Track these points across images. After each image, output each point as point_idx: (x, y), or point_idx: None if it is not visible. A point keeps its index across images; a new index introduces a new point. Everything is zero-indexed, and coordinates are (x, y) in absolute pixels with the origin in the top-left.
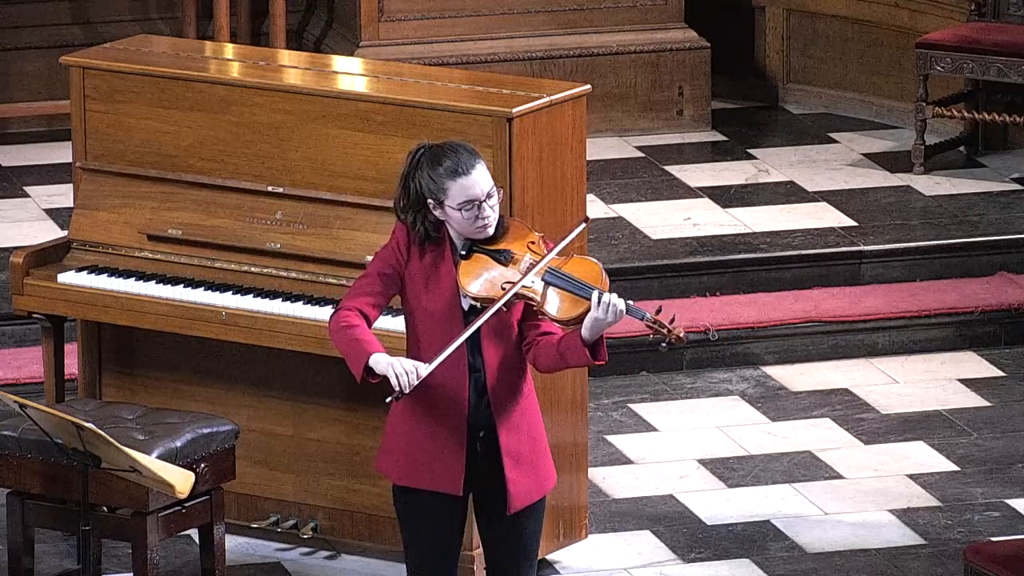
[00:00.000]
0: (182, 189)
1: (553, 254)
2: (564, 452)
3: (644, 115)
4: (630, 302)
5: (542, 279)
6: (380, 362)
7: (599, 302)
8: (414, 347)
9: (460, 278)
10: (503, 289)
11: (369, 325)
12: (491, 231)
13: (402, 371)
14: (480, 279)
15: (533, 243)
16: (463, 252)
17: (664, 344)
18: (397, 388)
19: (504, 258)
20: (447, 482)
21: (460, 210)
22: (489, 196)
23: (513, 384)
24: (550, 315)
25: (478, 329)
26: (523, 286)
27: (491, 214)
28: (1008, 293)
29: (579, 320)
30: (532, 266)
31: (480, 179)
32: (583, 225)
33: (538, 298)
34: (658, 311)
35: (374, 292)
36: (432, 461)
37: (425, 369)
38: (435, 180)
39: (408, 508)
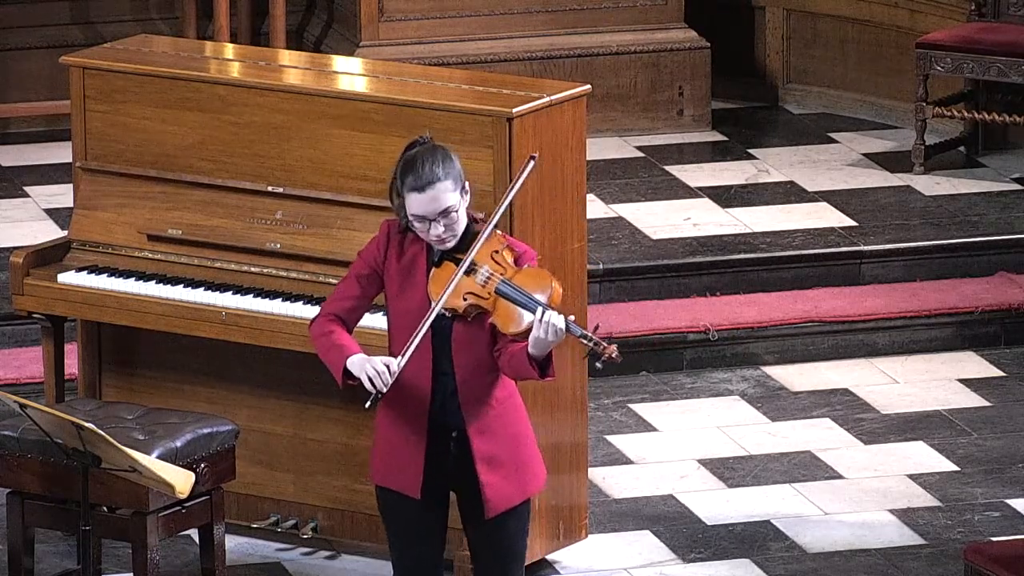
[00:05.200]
0: (182, 189)
1: (503, 205)
2: (564, 452)
3: (644, 115)
4: (571, 318)
5: (495, 291)
6: (355, 364)
7: (540, 321)
8: (391, 344)
9: (428, 285)
10: (464, 299)
11: (349, 330)
12: (450, 245)
13: (374, 372)
14: (444, 287)
15: (496, 252)
16: (435, 259)
17: (599, 363)
18: (373, 390)
19: (468, 268)
20: (408, 484)
21: (414, 220)
22: (445, 214)
23: (486, 388)
24: (499, 327)
25: (448, 334)
26: (475, 295)
27: (443, 231)
28: (1008, 293)
29: (527, 334)
30: (489, 278)
31: (435, 199)
32: (531, 163)
33: (488, 307)
34: (595, 329)
35: (352, 296)
36: (397, 462)
37: (396, 364)
38: (399, 186)
39: (384, 507)
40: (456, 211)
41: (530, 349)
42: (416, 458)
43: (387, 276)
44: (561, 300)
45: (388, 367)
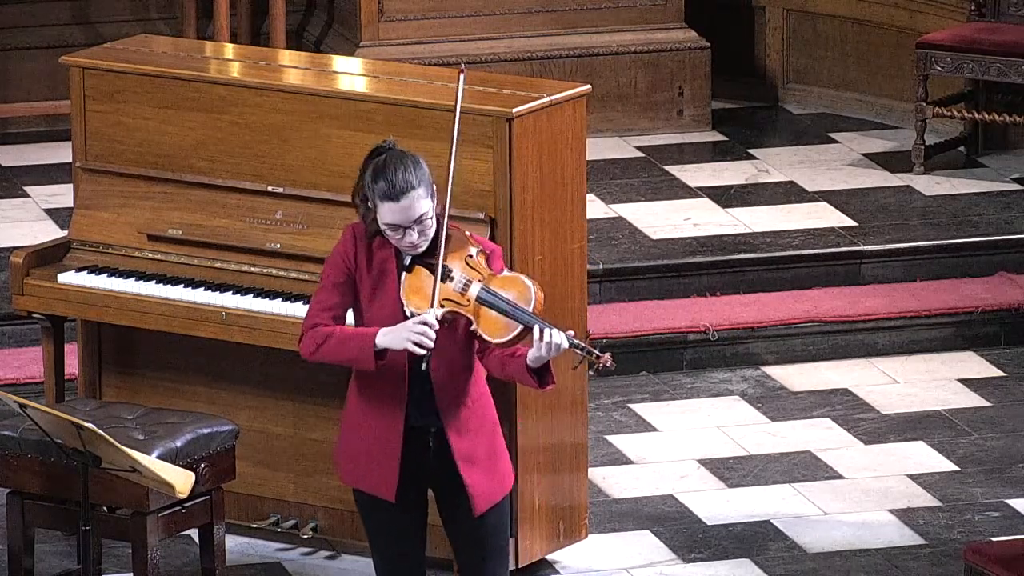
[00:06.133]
0: (182, 189)
1: (456, 134)
2: (564, 452)
3: (644, 115)
4: (570, 332)
5: (477, 299)
6: (388, 340)
7: (541, 340)
8: None
9: (403, 293)
10: (442, 306)
11: None
12: (421, 249)
13: (417, 336)
14: (419, 295)
15: (471, 257)
16: (406, 265)
17: (592, 371)
18: (423, 351)
19: (442, 274)
20: (383, 487)
21: (387, 229)
22: (419, 222)
23: (461, 387)
24: (486, 337)
25: None
26: (454, 302)
27: (417, 238)
28: (1008, 293)
29: (514, 343)
30: (467, 284)
31: (410, 207)
32: (462, 77)
33: (470, 314)
34: (587, 336)
35: (334, 305)
36: (370, 464)
37: (432, 316)
38: (370, 194)
39: (361, 508)
40: (430, 217)
41: (529, 362)
42: (391, 460)
43: (359, 281)
44: (544, 304)
45: (426, 323)
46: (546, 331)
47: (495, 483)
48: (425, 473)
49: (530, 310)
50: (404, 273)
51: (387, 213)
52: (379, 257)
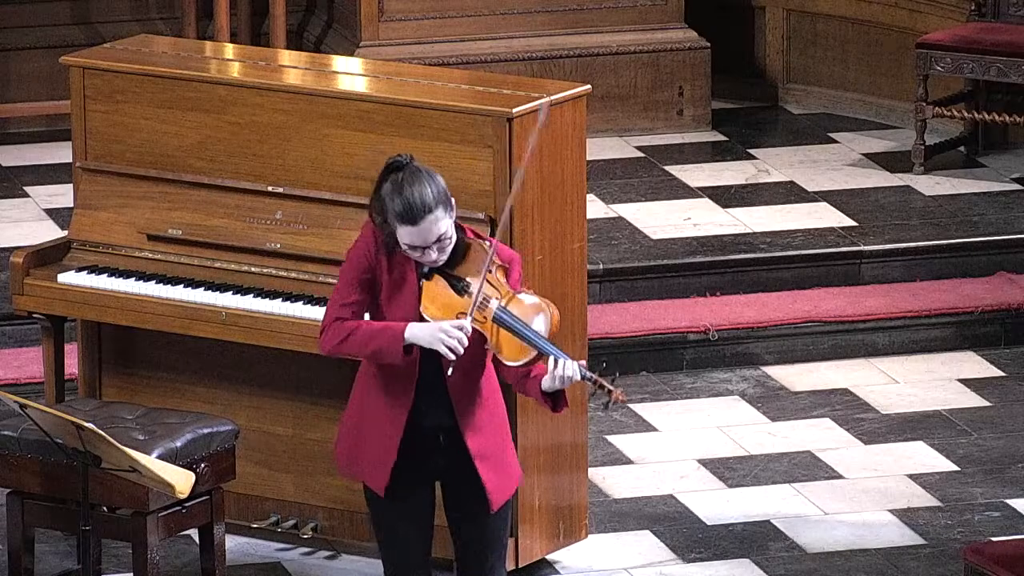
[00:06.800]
0: (182, 189)
1: (523, 169)
2: (564, 452)
3: (644, 115)
4: (583, 363)
5: (493, 319)
6: (421, 337)
7: (554, 372)
8: None
9: (422, 301)
10: (458, 319)
11: None
12: (439, 263)
13: (453, 342)
14: (438, 305)
15: (490, 272)
16: (425, 273)
17: (604, 406)
18: (453, 356)
19: (460, 287)
20: (375, 479)
21: (407, 249)
22: (438, 241)
23: (475, 385)
24: (503, 359)
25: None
26: (475, 320)
27: (436, 255)
28: (1008, 293)
29: (528, 366)
30: (485, 301)
31: (428, 229)
32: (543, 106)
33: (486, 332)
34: (602, 368)
35: (356, 301)
36: (367, 457)
37: (468, 323)
38: (389, 213)
39: (366, 499)
40: (448, 237)
41: (543, 388)
42: (388, 455)
43: (379, 280)
44: (559, 325)
45: (462, 328)
46: (560, 362)
47: (507, 479)
48: (431, 469)
49: (545, 335)
50: (423, 280)
51: (406, 235)
52: (399, 260)
